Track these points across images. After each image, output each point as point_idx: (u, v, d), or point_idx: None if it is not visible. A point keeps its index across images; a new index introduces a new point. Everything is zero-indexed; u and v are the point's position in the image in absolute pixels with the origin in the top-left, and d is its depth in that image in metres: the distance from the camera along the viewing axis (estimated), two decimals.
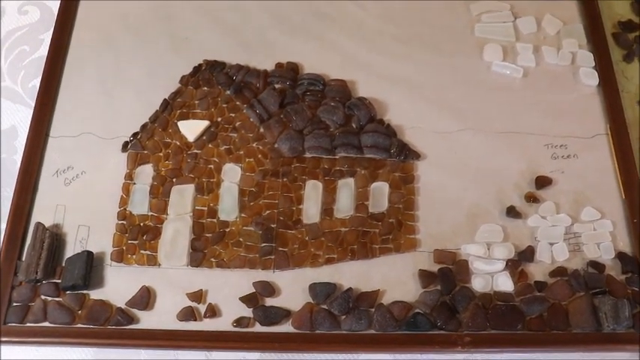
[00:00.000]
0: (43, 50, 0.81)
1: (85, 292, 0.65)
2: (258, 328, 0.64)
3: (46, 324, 0.64)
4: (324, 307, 0.64)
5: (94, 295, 0.65)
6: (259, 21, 0.82)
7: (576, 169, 0.73)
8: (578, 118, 0.76)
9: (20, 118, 0.77)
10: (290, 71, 0.78)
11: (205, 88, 0.77)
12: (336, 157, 0.73)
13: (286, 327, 0.64)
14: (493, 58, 0.79)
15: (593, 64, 0.79)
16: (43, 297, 0.65)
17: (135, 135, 0.74)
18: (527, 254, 0.68)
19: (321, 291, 0.65)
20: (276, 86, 0.76)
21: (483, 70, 0.79)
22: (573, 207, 0.70)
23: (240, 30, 0.82)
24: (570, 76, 0.79)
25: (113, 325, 0.63)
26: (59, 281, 0.65)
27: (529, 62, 0.79)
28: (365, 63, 0.79)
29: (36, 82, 0.77)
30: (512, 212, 0.70)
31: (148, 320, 0.64)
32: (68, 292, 0.65)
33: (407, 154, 0.72)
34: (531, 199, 0.71)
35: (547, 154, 0.73)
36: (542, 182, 0.72)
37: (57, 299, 0.65)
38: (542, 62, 0.79)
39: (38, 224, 0.67)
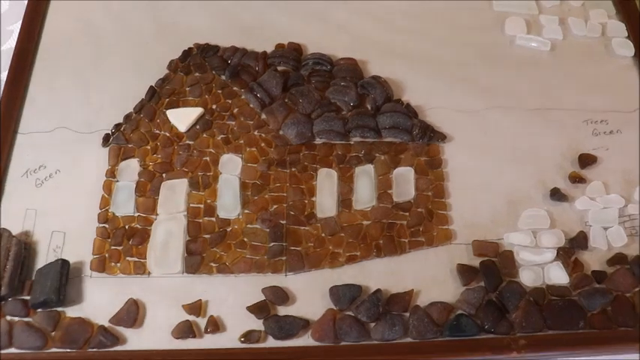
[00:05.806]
0: (13, 42, 0.73)
1: (59, 309, 0.57)
2: (272, 342, 0.56)
3: (13, 350, 0.55)
4: (350, 313, 0.56)
5: (71, 312, 0.57)
6: (255, 0, 0.75)
7: (622, 146, 0.67)
8: (615, 91, 0.71)
9: None
10: (293, 51, 0.70)
11: (197, 74, 0.69)
12: (351, 142, 0.65)
13: (305, 340, 0.56)
14: (516, 32, 0.74)
15: (626, 34, 0.74)
16: (8, 317, 0.56)
17: (117, 127, 0.65)
18: (579, 241, 0.60)
19: (344, 295, 0.56)
20: (278, 68, 0.68)
21: (506, 45, 0.74)
22: (624, 187, 0.64)
23: (234, 11, 0.75)
24: (602, 48, 0.74)
25: (94, 347, 0.55)
26: (28, 298, 0.56)
27: (556, 35, 0.74)
28: (374, 41, 0.74)
29: (4, 76, 0.69)
30: (556, 195, 0.62)
31: (136, 340, 0.56)
32: (39, 309, 0.56)
33: (432, 135, 0.64)
34: (576, 179, 0.63)
35: (587, 131, 0.68)
36: (586, 160, 0.64)
37: (25, 319, 0.56)
38: (570, 35, 0.75)
39: (3, 231, 0.59)
